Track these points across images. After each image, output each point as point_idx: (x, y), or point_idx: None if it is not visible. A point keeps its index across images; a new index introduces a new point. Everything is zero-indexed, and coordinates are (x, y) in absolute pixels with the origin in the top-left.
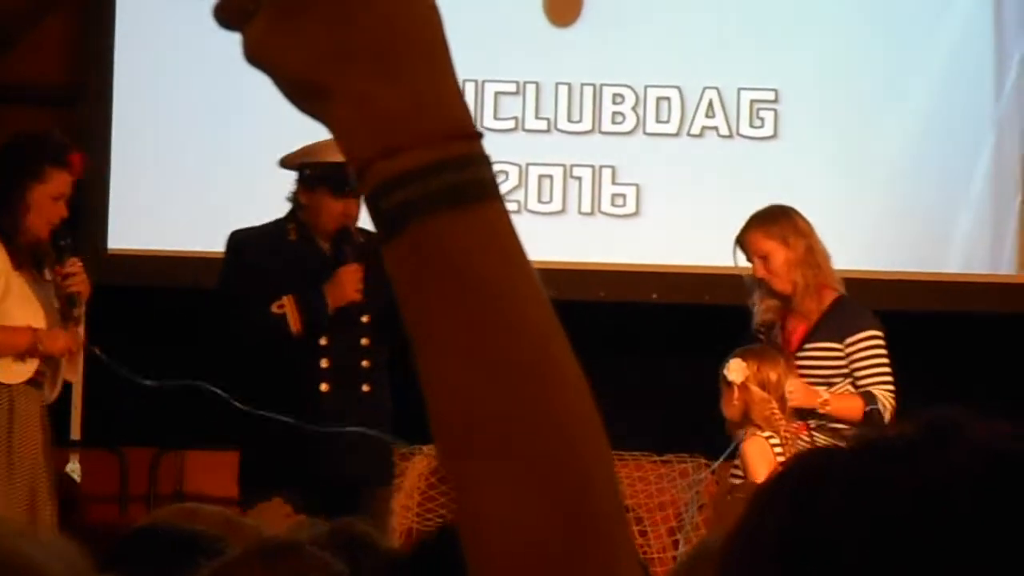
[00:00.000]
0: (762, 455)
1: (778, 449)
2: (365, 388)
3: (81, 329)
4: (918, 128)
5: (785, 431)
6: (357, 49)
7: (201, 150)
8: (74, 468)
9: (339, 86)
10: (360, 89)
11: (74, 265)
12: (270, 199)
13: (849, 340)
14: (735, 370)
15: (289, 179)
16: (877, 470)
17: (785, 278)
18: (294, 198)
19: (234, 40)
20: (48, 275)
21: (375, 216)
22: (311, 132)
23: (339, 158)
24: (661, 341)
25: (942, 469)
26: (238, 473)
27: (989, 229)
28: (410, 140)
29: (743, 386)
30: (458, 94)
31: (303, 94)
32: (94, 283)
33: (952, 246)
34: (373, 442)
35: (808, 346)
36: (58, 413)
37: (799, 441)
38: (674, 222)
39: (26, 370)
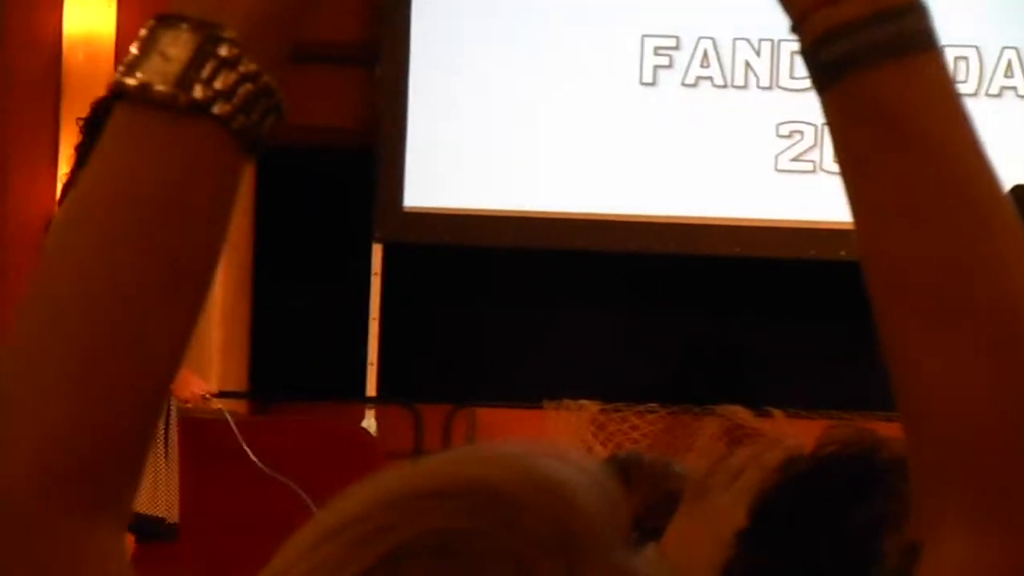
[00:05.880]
0: None
1: None
2: None
3: None
4: None
5: None
6: None
7: (497, 108)
8: (370, 424)
9: None
10: None
11: None
12: (565, 157)
13: None
14: None
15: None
16: None
17: None
18: None
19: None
20: None
21: (812, 65)
22: (611, 92)
23: None
24: None
25: None
26: None
27: None
28: None
29: None
30: None
31: None
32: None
33: None
34: None
35: None
36: (353, 369)
37: None
38: None
39: None
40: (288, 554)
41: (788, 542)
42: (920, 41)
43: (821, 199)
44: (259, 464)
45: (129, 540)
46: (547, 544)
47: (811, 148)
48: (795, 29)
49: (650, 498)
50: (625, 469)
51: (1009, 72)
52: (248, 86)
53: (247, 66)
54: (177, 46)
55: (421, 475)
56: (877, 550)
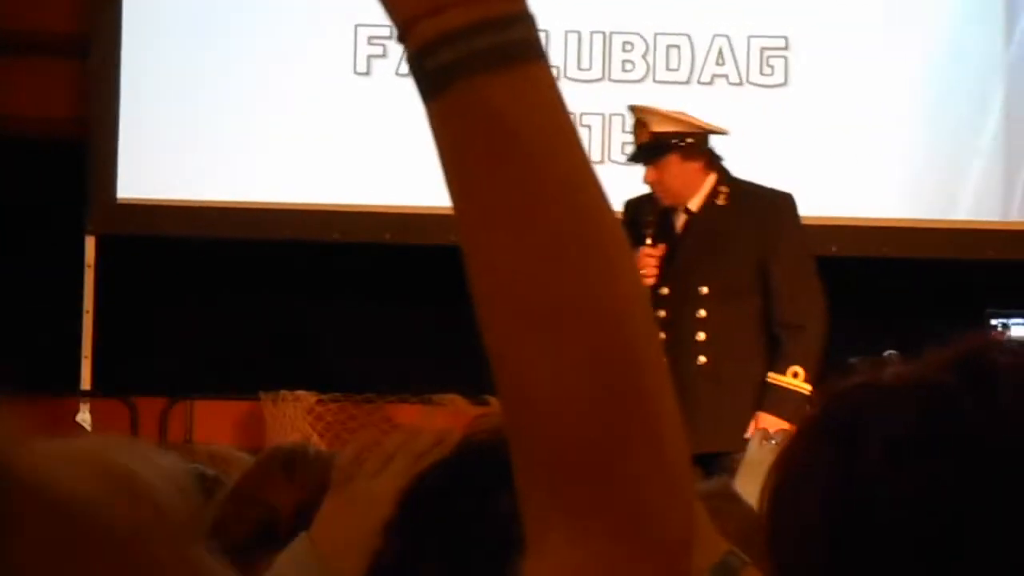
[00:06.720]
0: None
1: None
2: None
3: None
4: (928, 75)
5: None
6: None
7: (210, 99)
8: (84, 418)
9: None
10: None
11: None
12: (279, 147)
13: None
14: None
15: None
16: (919, 423)
17: None
18: None
19: None
20: None
21: (417, 75)
22: (325, 82)
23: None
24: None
25: (986, 419)
26: None
27: (1000, 176)
28: None
29: None
30: None
31: None
32: (105, 233)
33: (962, 193)
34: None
35: None
36: (68, 363)
37: None
38: None
39: None
40: None
41: (434, 530)
42: (525, 51)
43: None
44: None
45: None
46: (117, 539)
47: None
48: (401, 37)
49: (313, 489)
50: (289, 460)
51: (720, 60)
52: None
53: None
54: None
55: None
56: (520, 538)
